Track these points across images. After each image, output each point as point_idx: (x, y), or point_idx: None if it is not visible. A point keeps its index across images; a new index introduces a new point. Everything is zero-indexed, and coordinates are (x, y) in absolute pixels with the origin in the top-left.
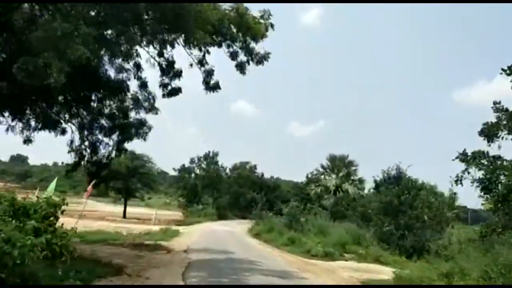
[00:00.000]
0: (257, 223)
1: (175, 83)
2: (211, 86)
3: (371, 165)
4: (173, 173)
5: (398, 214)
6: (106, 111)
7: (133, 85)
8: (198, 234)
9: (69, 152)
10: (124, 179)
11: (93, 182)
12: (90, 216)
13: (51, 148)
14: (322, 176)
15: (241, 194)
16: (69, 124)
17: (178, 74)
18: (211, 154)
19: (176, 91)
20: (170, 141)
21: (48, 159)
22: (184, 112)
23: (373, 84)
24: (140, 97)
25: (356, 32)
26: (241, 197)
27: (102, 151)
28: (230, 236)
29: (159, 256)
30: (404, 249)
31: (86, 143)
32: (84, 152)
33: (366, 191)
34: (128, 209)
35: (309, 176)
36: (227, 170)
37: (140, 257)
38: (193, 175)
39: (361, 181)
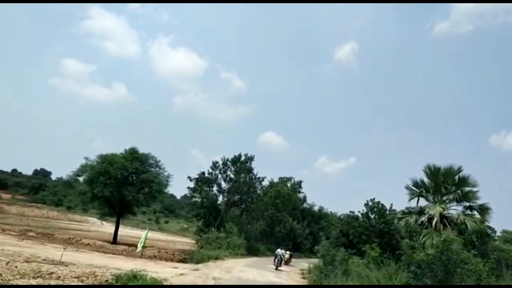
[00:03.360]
0: (324, 268)
1: None
2: None
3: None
4: (189, 184)
5: None
6: None
7: None
8: None
9: None
10: (117, 187)
11: None
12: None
13: (75, 165)
14: (415, 200)
15: (279, 221)
16: None
17: None
18: (242, 158)
19: None
20: (196, 166)
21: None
22: (211, 140)
23: (406, 122)
24: None
25: (390, 70)
26: (278, 225)
27: None
28: None
29: None
30: None
31: None
32: None
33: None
34: (132, 232)
35: (370, 203)
36: (263, 185)
37: None
38: (215, 187)
39: (482, 209)
